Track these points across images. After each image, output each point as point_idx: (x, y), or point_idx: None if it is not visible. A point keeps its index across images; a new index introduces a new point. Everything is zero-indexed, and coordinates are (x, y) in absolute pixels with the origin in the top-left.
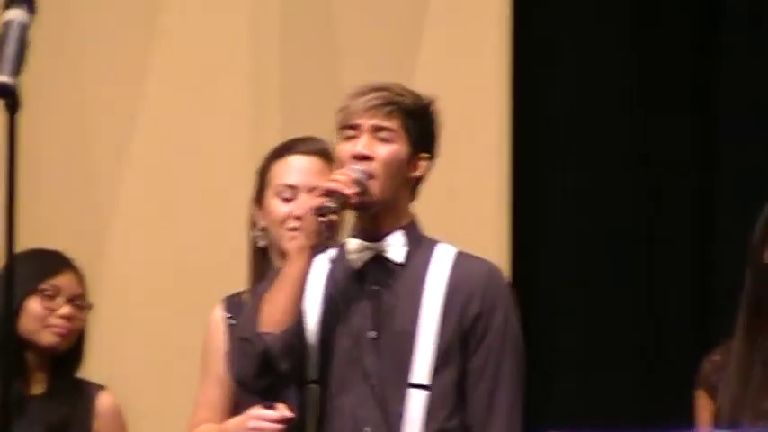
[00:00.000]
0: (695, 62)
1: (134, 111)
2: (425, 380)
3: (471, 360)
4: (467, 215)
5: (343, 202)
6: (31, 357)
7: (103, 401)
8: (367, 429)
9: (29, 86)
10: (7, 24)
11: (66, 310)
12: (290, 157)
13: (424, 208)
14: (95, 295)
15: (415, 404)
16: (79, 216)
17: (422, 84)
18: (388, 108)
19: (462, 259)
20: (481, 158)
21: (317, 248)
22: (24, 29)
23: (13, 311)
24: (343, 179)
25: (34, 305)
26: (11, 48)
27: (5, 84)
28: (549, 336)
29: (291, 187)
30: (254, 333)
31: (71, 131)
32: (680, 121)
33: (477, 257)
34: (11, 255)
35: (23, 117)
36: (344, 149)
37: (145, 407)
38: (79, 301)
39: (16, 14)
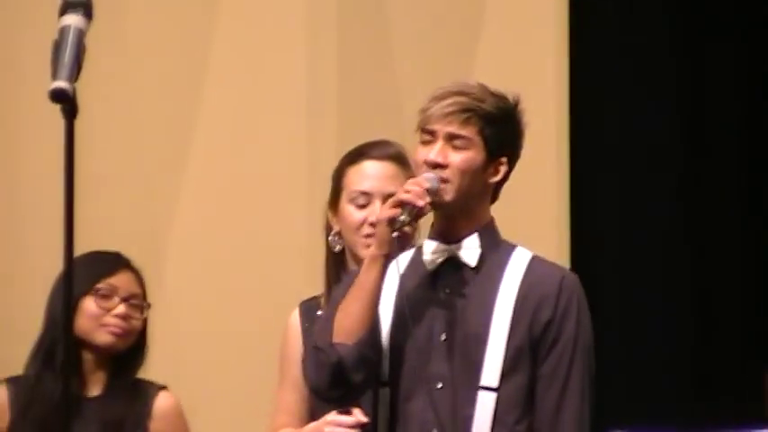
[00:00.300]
0: (748, 73)
1: (191, 114)
2: (495, 383)
3: (541, 366)
4: (525, 214)
5: (415, 213)
6: (88, 358)
7: (162, 402)
8: (435, 431)
9: (86, 91)
10: (64, 30)
11: (121, 309)
12: (363, 163)
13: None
14: (154, 297)
15: (484, 406)
16: (137, 220)
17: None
18: (465, 115)
19: (536, 264)
20: (540, 156)
21: (390, 257)
22: (81, 34)
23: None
24: (417, 189)
25: (89, 304)
26: (67, 53)
27: (63, 89)
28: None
29: (365, 194)
30: (327, 343)
31: (128, 135)
32: (731, 118)
33: (552, 263)
34: (69, 257)
35: (81, 121)
36: (420, 155)
37: (208, 408)
38: (136, 301)
39: (72, 20)
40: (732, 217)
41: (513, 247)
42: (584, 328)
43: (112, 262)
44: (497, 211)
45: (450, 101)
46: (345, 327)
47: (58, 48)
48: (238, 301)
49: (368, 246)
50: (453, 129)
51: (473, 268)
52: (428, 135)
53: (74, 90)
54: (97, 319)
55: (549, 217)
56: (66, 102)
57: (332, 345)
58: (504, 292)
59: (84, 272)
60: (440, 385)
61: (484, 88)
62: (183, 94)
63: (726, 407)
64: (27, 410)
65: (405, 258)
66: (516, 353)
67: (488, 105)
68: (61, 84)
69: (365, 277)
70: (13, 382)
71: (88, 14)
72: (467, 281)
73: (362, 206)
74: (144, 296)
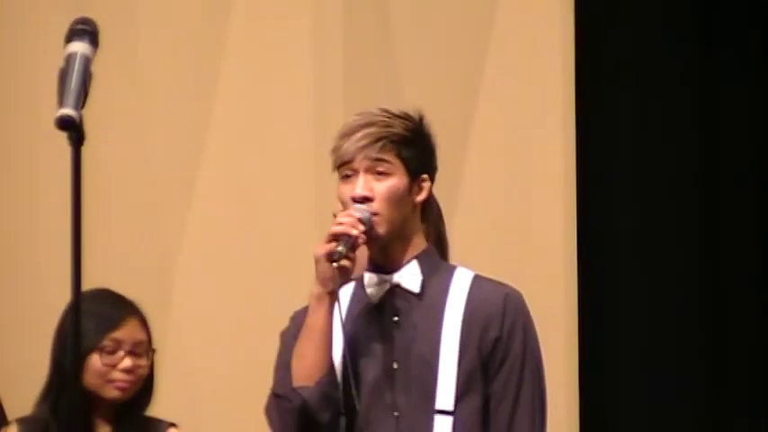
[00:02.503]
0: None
1: (199, 139)
2: (450, 406)
3: (492, 384)
4: (535, 224)
5: (352, 244)
6: (97, 404)
7: None
8: None
9: (92, 118)
10: (70, 57)
11: (126, 363)
12: None
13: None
14: (163, 324)
15: (442, 431)
16: (145, 250)
17: (488, 95)
18: (380, 144)
19: (478, 284)
20: (547, 167)
21: (336, 293)
22: (87, 62)
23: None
24: (349, 221)
25: (95, 362)
26: (74, 80)
27: (69, 117)
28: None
29: None
30: (289, 389)
31: (135, 162)
32: (743, 122)
33: (495, 281)
34: (77, 288)
35: (87, 149)
36: (344, 192)
37: None
38: (141, 349)
39: (79, 47)
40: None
41: (453, 268)
42: (532, 344)
43: (117, 313)
44: (508, 215)
45: (360, 134)
46: (304, 370)
47: (64, 75)
48: (250, 327)
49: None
50: (371, 160)
51: (416, 294)
52: (348, 170)
53: (81, 117)
54: (104, 375)
55: (557, 220)
56: (73, 129)
57: (293, 389)
58: (450, 315)
59: (90, 326)
60: (396, 414)
61: (388, 113)
62: (190, 121)
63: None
64: None
65: (346, 292)
66: (468, 375)
67: (398, 128)
68: (68, 111)
69: (314, 318)
70: (24, 422)
71: (94, 42)
72: (412, 307)
73: None
74: (149, 341)
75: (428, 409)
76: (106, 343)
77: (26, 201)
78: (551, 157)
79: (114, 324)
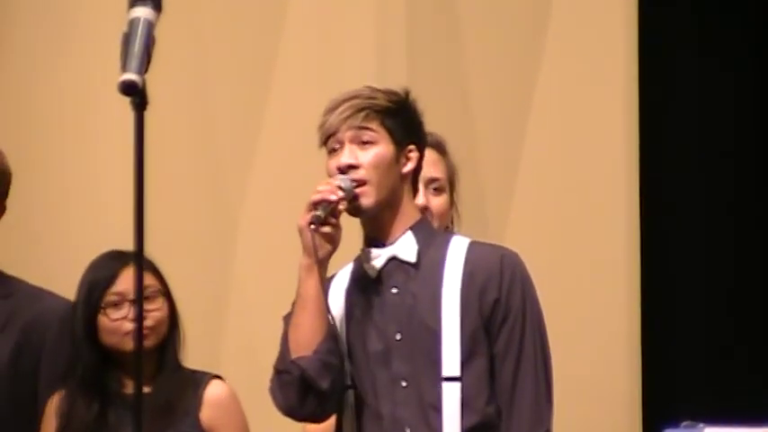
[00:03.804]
0: None
1: (259, 109)
2: (456, 372)
3: (495, 344)
4: (596, 214)
5: (331, 209)
6: (128, 360)
7: (213, 390)
8: (408, 429)
9: (155, 82)
10: (133, 22)
11: (134, 311)
12: None
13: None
14: (225, 290)
15: (451, 397)
16: (207, 215)
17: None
18: (363, 113)
19: (474, 248)
20: (609, 155)
21: (324, 261)
22: (150, 26)
23: (93, 334)
24: (327, 188)
25: (105, 322)
26: (137, 46)
27: (132, 81)
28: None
29: None
30: (287, 362)
31: (197, 128)
32: None
33: (490, 244)
34: (140, 249)
35: (150, 114)
36: (331, 164)
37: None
38: (147, 293)
39: (142, 12)
40: None
41: (449, 236)
42: (531, 302)
43: (109, 270)
44: (569, 210)
45: (344, 106)
46: (300, 340)
47: (127, 40)
48: None
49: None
50: (356, 129)
51: (413, 264)
52: (334, 143)
53: (143, 82)
54: (117, 330)
55: (619, 227)
56: (136, 94)
57: (292, 361)
58: (448, 282)
59: (87, 292)
60: (404, 384)
61: (372, 88)
62: (250, 93)
63: None
64: (65, 429)
65: (346, 271)
66: (471, 339)
67: (381, 100)
68: (131, 76)
69: (304, 287)
70: (61, 391)
71: (158, 7)
72: (410, 278)
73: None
74: (160, 285)
75: (435, 377)
76: (108, 299)
77: (91, 163)
78: (612, 149)
79: (108, 280)
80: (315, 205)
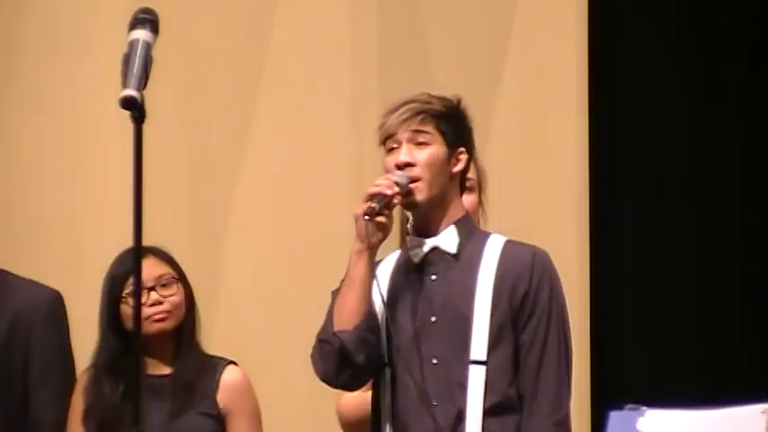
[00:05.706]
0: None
1: (246, 119)
2: (483, 356)
3: (522, 334)
4: (550, 209)
5: (386, 202)
6: (152, 346)
7: (229, 374)
8: (435, 403)
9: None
10: (133, 43)
11: (153, 297)
12: None
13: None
14: (215, 290)
15: (476, 378)
16: (196, 222)
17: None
18: (421, 116)
19: (509, 246)
20: (562, 153)
21: (375, 248)
22: (148, 47)
23: (117, 321)
24: (385, 183)
25: (126, 309)
26: (136, 64)
27: (132, 96)
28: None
29: None
30: (330, 333)
31: (185, 136)
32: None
33: (524, 243)
34: (138, 253)
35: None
36: (389, 161)
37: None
38: (164, 281)
39: (141, 34)
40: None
41: (488, 234)
42: (557, 297)
43: (126, 262)
44: (522, 207)
45: (403, 109)
46: (343, 317)
47: (127, 60)
48: (302, 278)
49: None
50: (413, 130)
51: (453, 255)
52: (392, 143)
53: (142, 98)
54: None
55: (570, 220)
56: (135, 108)
57: (334, 334)
58: (484, 274)
59: (110, 284)
60: (435, 361)
61: (428, 94)
62: (240, 100)
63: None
64: (91, 408)
65: (392, 257)
66: (499, 327)
67: (437, 105)
68: (130, 92)
69: (354, 271)
70: (89, 371)
71: (155, 30)
72: (449, 267)
73: None
74: (176, 272)
75: (464, 359)
76: (128, 289)
77: (89, 173)
78: (566, 145)
79: (127, 272)
80: (371, 197)
